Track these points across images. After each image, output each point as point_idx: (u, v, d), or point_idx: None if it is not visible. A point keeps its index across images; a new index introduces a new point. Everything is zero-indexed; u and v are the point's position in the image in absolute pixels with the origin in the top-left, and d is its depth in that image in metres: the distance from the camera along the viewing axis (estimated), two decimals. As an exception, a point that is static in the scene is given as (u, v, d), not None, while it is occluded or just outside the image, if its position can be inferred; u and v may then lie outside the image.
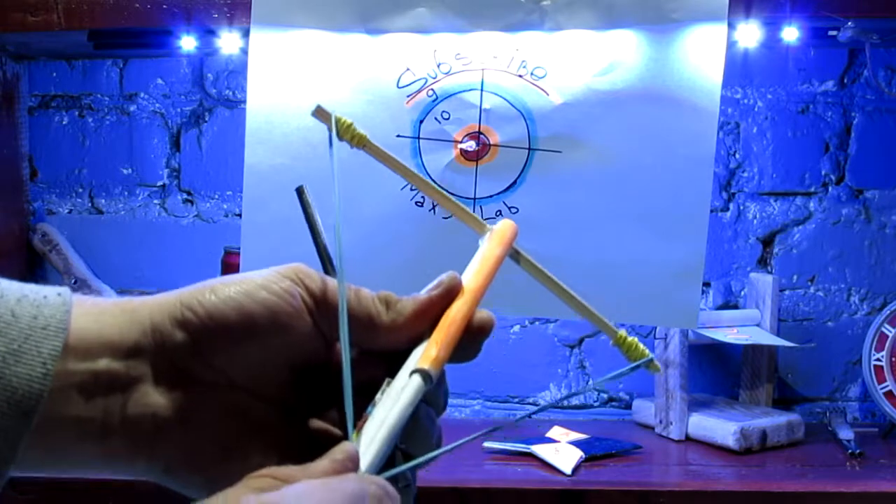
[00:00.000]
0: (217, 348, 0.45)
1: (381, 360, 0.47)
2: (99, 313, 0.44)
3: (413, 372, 0.43)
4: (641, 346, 0.55)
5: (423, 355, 0.44)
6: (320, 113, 0.54)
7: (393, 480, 0.40)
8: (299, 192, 0.55)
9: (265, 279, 0.46)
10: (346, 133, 0.53)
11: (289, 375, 0.46)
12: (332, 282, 0.47)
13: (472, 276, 0.50)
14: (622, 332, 0.55)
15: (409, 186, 1.01)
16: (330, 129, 0.53)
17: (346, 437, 0.42)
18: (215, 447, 0.45)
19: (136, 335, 0.44)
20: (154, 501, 0.99)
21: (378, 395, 0.43)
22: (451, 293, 0.48)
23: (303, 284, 0.46)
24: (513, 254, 0.54)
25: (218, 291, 0.45)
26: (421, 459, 0.43)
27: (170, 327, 0.44)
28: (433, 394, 0.46)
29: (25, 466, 0.42)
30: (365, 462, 0.40)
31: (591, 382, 0.57)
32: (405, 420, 0.41)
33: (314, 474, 0.38)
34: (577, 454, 1.08)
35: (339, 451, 0.39)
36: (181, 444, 0.45)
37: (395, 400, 0.42)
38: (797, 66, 1.31)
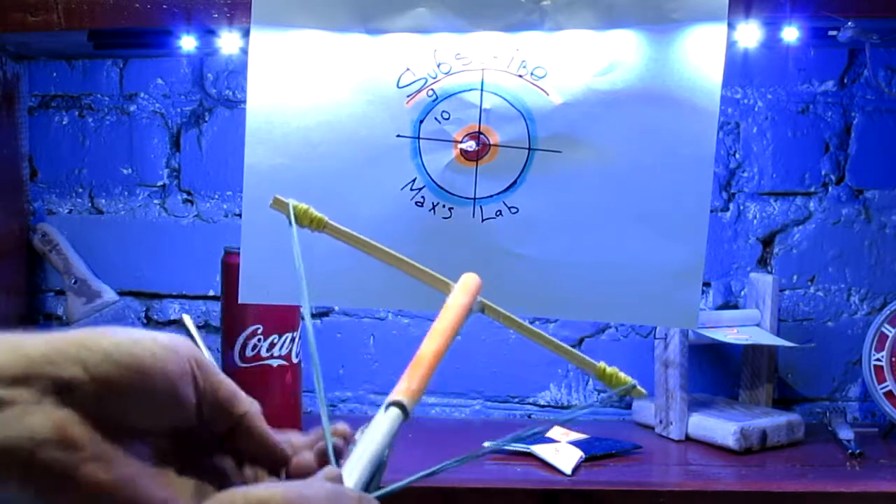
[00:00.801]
0: (105, 404, 0.45)
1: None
2: None
3: (390, 404, 0.46)
4: (622, 374, 0.58)
5: (398, 389, 0.47)
6: (277, 203, 0.56)
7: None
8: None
9: (152, 346, 0.47)
10: (304, 218, 0.56)
11: (164, 425, 0.47)
12: (217, 386, 0.48)
13: (439, 319, 0.53)
14: (601, 364, 0.58)
15: (408, 186, 1.01)
16: (289, 217, 0.55)
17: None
18: (88, 474, 0.45)
19: (21, 367, 0.45)
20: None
21: (358, 434, 0.45)
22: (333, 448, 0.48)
23: (190, 372, 0.47)
24: (478, 306, 0.56)
25: (112, 355, 0.46)
26: (406, 481, 0.45)
27: (62, 363, 0.45)
28: None
29: None
30: (349, 484, 0.41)
31: (586, 406, 0.59)
32: (386, 448, 0.43)
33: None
34: (577, 454, 1.08)
35: (323, 473, 0.41)
36: (55, 466, 0.45)
37: (374, 432, 0.44)
38: (797, 66, 1.31)
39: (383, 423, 0.44)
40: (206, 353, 0.52)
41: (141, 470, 0.46)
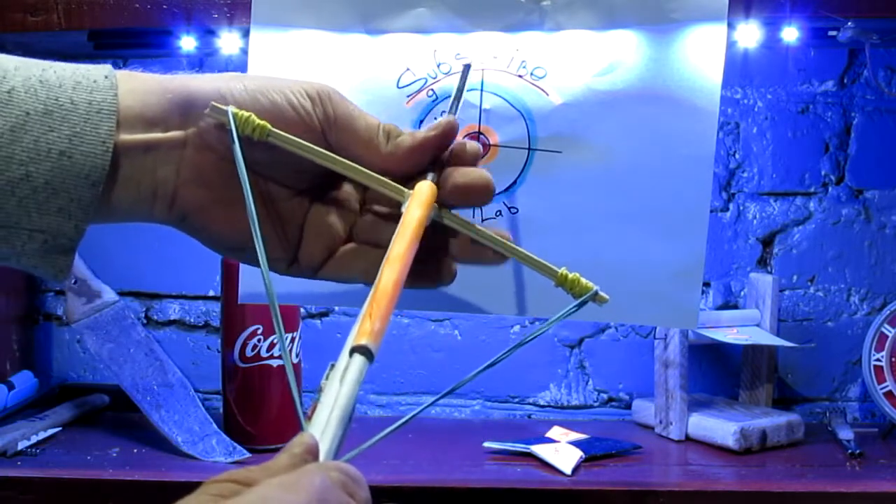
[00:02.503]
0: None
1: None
2: (144, 93, 0.56)
3: (352, 351, 0.43)
4: (584, 280, 0.56)
5: (359, 331, 0.44)
6: (215, 111, 0.56)
7: None
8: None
9: (289, 89, 0.58)
10: (245, 126, 0.55)
11: (296, 173, 0.58)
12: (351, 106, 0.63)
13: (395, 243, 0.51)
14: (562, 270, 0.56)
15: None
16: (228, 125, 0.54)
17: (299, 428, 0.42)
18: (220, 205, 0.57)
19: (173, 113, 0.55)
20: (154, 501, 0.99)
21: (322, 380, 0.43)
22: (447, 136, 0.60)
23: (321, 105, 0.58)
24: (436, 214, 0.54)
25: (250, 90, 0.56)
26: (380, 435, 0.43)
27: (201, 110, 0.55)
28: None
29: (90, 222, 0.53)
30: (323, 449, 0.39)
31: (551, 321, 0.57)
32: (354, 400, 0.41)
33: (275, 472, 0.38)
34: (576, 454, 1.08)
35: (296, 445, 0.40)
36: (194, 198, 0.56)
37: (341, 381, 0.42)
38: (797, 66, 1.31)
39: (349, 373, 0.42)
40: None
41: (264, 215, 0.58)
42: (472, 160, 0.61)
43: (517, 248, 0.56)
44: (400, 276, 0.47)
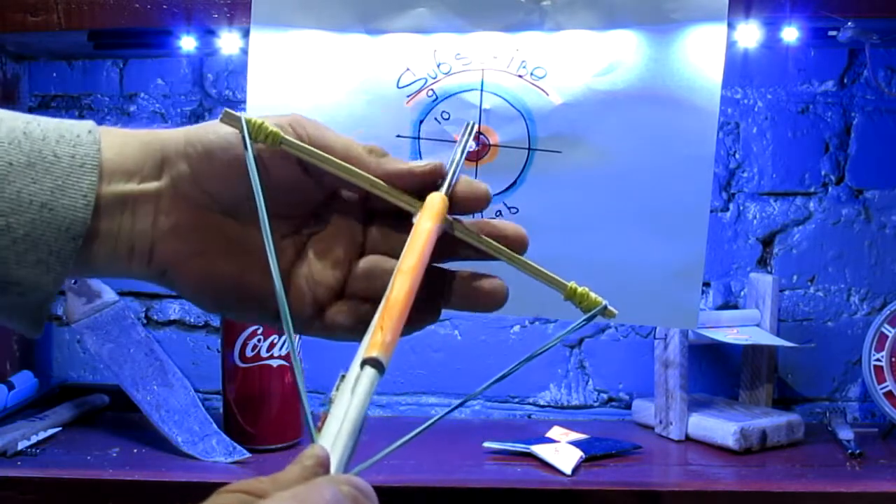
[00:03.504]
0: (210, 179, 0.54)
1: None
2: (121, 145, 0.54)
3: (363, 363, 0.43)
4: (593, 294, 0.55)
5: (371, 343, 0.44)
6: (228, 116, 0.55)
7: None
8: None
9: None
10: (259, 133, 0.54)
11: (277, 207, 0.55)
12: (326, 128, 0.57)
13: (407, 255, 0.50)
14: (571, 284, 0.55)
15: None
16: (242, 132, 0.54)
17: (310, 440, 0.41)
18: (198, 257, 0.55)
19: (150, 164, 0.54)
20: (154, 501, 0.99)
21: (333, 391, 0.43)
22: (432, 175, 0.56)
23: (293, 131, 0.55)
24: (448, 226, 0.53)
25: (220, 130, 0.55)
26: (389, 448, 0.43)
27: (175, 159, 0.54)
28: None
29: (68, 276, 0.53)
30: (333, 462, 0.39)
31: (559, 336, 0.56)
32: (365, 412, 0.41)
33: (285, 484, 0.38)
34: (576, 454, 1.08)
35: (307, 457, 0.40)
36: (172, 252, 0.55)
37: (351, 393, 0.41)
38: (797, 66, 1.31)
39: (360, 386, 0.42)
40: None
41: (246, 265, 0.56)
42: (482, 203, 0.58)
43: (526, 261, 0.56)
44: (411, 287, 0.47)
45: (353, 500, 0.38)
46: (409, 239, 0.51)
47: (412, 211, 0.53)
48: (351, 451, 0.40)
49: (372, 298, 0.55)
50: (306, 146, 0.54)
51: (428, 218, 0.52)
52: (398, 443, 0.44)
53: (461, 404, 0.53)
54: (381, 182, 0.56)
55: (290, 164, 0.55)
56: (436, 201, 0.53)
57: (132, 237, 0.54)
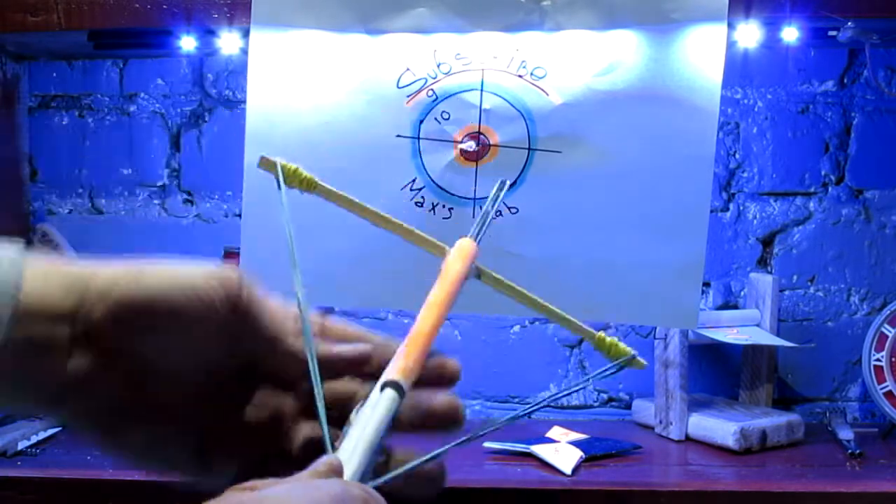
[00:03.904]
0: (129, 330, 0.47)
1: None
2: (45, 276, 0.47)
3: (384, 385, 0.43)
4: (622, 344, 0.55)
5: (393, 367, 0.44)
6: (265, 163, 0.54)
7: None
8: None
9: (187, 275, 0.48)
10: (293, 179, 0.54)
11: (197, 368, 0.48)
12: (256, 290, 0.49)
13: (435, 291, 0.50)
14: (600, 333, 0.55)
15: (408, 186, 1.01)
16: (277, 178, 0.53)
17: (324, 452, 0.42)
18: (112, 414, 0.48)
19: (71, 302, 0.47)
20: (154, 501, 0.99)
21: (353, 415, 0.43)
22: (386, 353, 0.48)
23: (223, 284, 0.48)
24: (475, 272, 0.54)
25: (141, 279, 0.48)
26: (407, 466, 0.43)
27: (95, 302, 0.47)
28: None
29: None
30: (348, 473, 0.39)
31: (588, 378, 0.55)
32: (383, 432, 0.41)
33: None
34: (576, 454, 1.07)
35: (321, 464, 0.39)
36: (83, 407, 0.48)
37: (371, 415, 0.42)
38: (797, 66, 1.31)
39: (380, 405, 0.42)
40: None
41: (160, 430, 0.49)
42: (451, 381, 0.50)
43: (555, 309, 0.56)
44: (437, 320, 0.48)
45: (364, 501, 0.38)
46: (438, 278, 0.52)
47: (441, 256, 0.54)
48: (367, 467, 0.40)
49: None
50: (341, 193, 0.54)
51: (458, 259, 0.53)
52: (425, 457, 0.44)
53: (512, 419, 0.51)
54: (412, 228, 0.55)
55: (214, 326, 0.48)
56: (465, 245, 0.54)
57: (40, 381, 0.47)
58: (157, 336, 0.47)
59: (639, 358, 0.54)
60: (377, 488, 0.40)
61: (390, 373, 0.44)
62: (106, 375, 0.48)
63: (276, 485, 0.37)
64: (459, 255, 0.53)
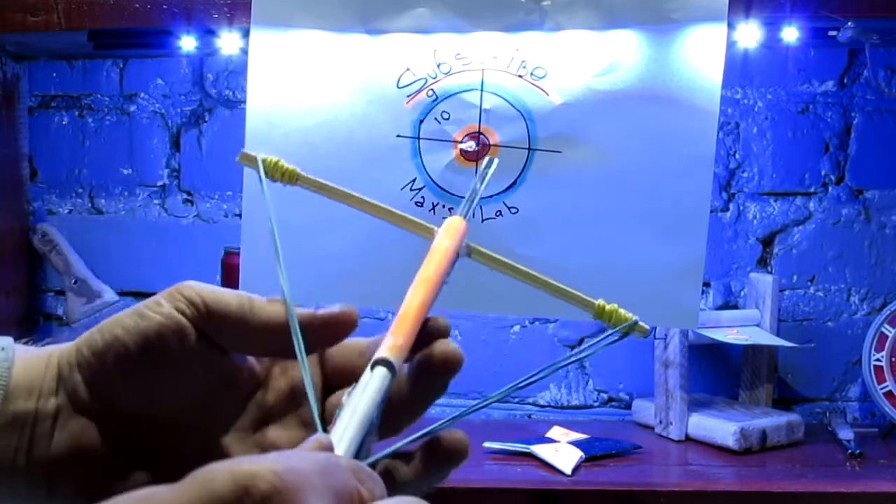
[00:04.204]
0: (108, 384, 0.46)
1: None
2: (25, 362, 0.47)
3: (374, 364, 0.43)
4: (623, 311, 0.54)
5: (382, 346, 0.44)
6: (245, 157, 0.54)
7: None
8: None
9: (142, 306, 0.47)
10: (275, 172, 0.54)
11: (193, 397, 0.47)
12: (212, 293, 0.47)
13: (423, 268, 0.50)
14: (600, 301, 0.54)
15: (408, 186, 1.01)
16: (259, 172, 0.53)
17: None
18: (105, 482, 0.47)
19: (49, 379, 0.47)
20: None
21: (344, 397, 0.43)
22: (341, 325, 0.47)
23: (179, 298, 0.47)
24: (465, 250, 0.54)
25: (103, 330, 0.47)
26: (398, 445, 0.43)
27: (67, 371, 0.47)
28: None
29: None
30: (340, 452, 0.39)
31: (582, 354, 0.54)
32: (375, 410, 0.41)
33: None
34: (576, 454, 1.08)
35: (310, 441, 0.39)
36: (73, 480, 0.47)
37: (362, 394, 0.42)
38: (797, 66, 1.31)
39: (371, 383, 0.41)
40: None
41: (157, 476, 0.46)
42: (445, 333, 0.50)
43: (550, 280, 0.55)
44: (425, 298, 0.47)
45: (353, 471, 0.37)
46: (426, 257, 0.51)
47: (429, 238, 0.53)
48: (359, 445, 0.40)
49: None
50: (324, 182, 0.53)
51: (446, 236, 0.52)
52: (407, 440, 0.44)
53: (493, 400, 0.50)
54: (398, 212, 0.54)
55: (209, 357, 0.47)
56: (454, 222, 0.53)
57: (20, 463, 0.47)
58: (136, 378, 0.46)
59: (641, 323, 0.53)
60: (371, 467, 0.39)
61: (380, 352, 0.43)
62: (94, 444, 0.47)
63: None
64: (447, 232, 0.52)
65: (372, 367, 0.43)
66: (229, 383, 0.48)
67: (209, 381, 0.48)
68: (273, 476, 0.33)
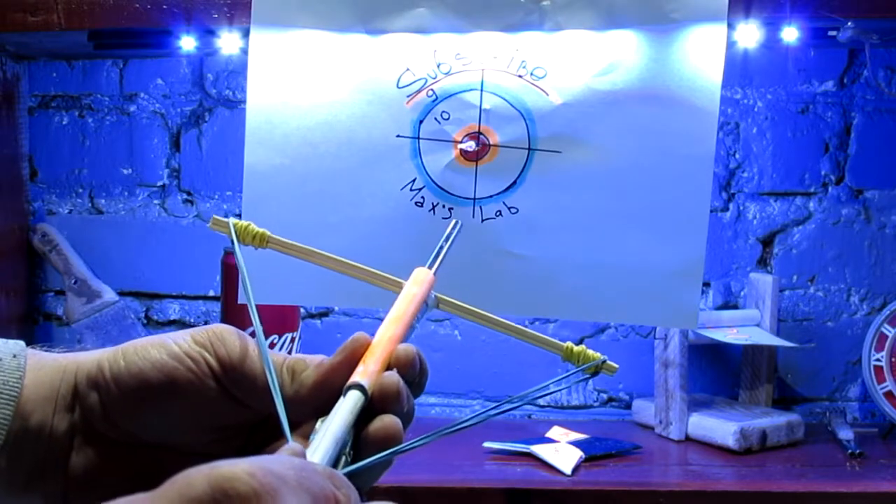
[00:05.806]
0: (126, 412, 0.47)
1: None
2: (38, 370, 0.47)
3: (347, 388, 0.45)
4: (590, 351, 0.56)
5: (355, 373, 0.46)
6: (217, 223, 0.55)
7: None
8: None
9: (173, 344, 0.47)
10: (245, 236, 0.55)
11: (203, 433, 0.48)
12: (250, 345, 0.48)
13: (392, 309, 0.52)
14: (568, 343, 0.57)
15: (408, 186, 1.01)
16: (231, 236, 0.54)
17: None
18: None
19: (64, 392, 0.47)
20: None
21: (318, 424, 0.45)
22: (354, 356, 0.47)
23: (213, 350, 0.47)
24: (433, 301, 0.56)
25: (127, 357, 0.47)
26: (375, 457, 0.44)
27: (86, 388, 0.47)
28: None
29: None
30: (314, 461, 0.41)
31: (559, 385, 0.56)
32: (347, 429, 0.42)
33: None
34: (576, 454, 1.08)
35: (284, 449, 0.39)
36: (90, 501, 0.47)
37: (335, 414, 0.44)
38: (797, 66, 1.31)
39: (344, 405, 0.44)
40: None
41: None
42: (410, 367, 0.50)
43: (520, 327, 0.58)
44: (395, 334, 0.50)
45: (329, 477, 0.37)
46: (396, 301, 0.53)
47: (397, 291, 0.55)
48: (332, 456, 0.41)
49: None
50: (295, 244, 0.54)
51: (415, 284, 0.55)
52: (393, 449, 0.45)
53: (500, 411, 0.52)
54: (365, 267, 0.54)
55: (206, 387, 0.47)
56: (422, 274, 0.56)
57: (42, 477, 0.47)
58: (154, 412, 0.46)
59: (609, 362, 0.56)
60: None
61: (353, 377, 0.45)
62: (111, 466, 0.47)
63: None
64: (416, 281, 0.55)
65: (345, 392, 0.45)
66: (245, 419, 0.49)
67: (228, 421, 0.48)
68: (251, 478, 0.34)
